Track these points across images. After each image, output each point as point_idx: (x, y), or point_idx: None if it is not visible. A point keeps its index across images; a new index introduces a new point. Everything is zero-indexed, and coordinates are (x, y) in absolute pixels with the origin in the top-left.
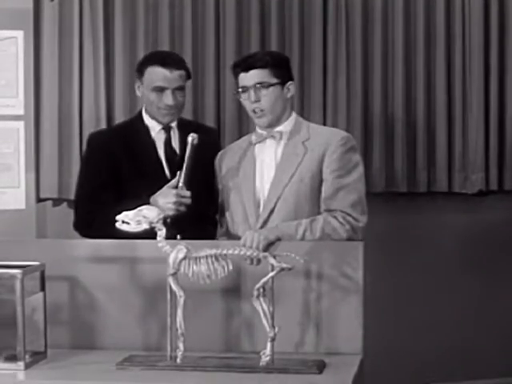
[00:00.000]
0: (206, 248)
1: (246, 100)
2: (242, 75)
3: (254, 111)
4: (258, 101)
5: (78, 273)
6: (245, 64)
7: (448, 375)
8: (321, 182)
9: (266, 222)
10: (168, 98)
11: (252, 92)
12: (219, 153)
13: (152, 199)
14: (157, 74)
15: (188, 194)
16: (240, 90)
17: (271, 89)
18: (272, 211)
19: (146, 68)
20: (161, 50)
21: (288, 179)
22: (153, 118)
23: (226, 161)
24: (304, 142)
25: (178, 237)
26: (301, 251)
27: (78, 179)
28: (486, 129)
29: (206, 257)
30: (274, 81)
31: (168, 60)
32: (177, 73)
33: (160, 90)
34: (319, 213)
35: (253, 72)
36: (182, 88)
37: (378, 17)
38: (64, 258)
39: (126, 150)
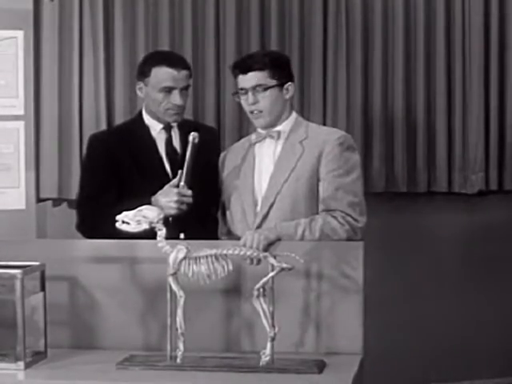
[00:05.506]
0: (206, 248)
1: (245, 101)
2: (241, 77)
3: (251, 112)
4: (255, 103)
5: (78, 273)
6: (243, 66)
7: (448, 375)
8: (318, 181)
9: (262, 222)
10: (176, 98)
11: (250, 94)
12: (222, 153)
13: (153, 198)
14: (164, 75)
15: (189, 192)
16: (239, 91)
17: (269, 91)
18: (269, 210)
19: (152, 68)
20: (162, 50)
21: (285, 179)
22: (155, 118)
23: (228, 161)
24: (301, 141)
25: (182, 235)
26: (301, 251)
27: (80, 181)
28: (486, 129)
29: (206, 257)
30: (272, 83)
31: (174, 60)
32: (183, 72)
33: (168, 90)
34: (316, 212)
35: (251, 74)
36: (187, 87)
37: (378, 17)
38: (64, 258)
39: (126, 151)
